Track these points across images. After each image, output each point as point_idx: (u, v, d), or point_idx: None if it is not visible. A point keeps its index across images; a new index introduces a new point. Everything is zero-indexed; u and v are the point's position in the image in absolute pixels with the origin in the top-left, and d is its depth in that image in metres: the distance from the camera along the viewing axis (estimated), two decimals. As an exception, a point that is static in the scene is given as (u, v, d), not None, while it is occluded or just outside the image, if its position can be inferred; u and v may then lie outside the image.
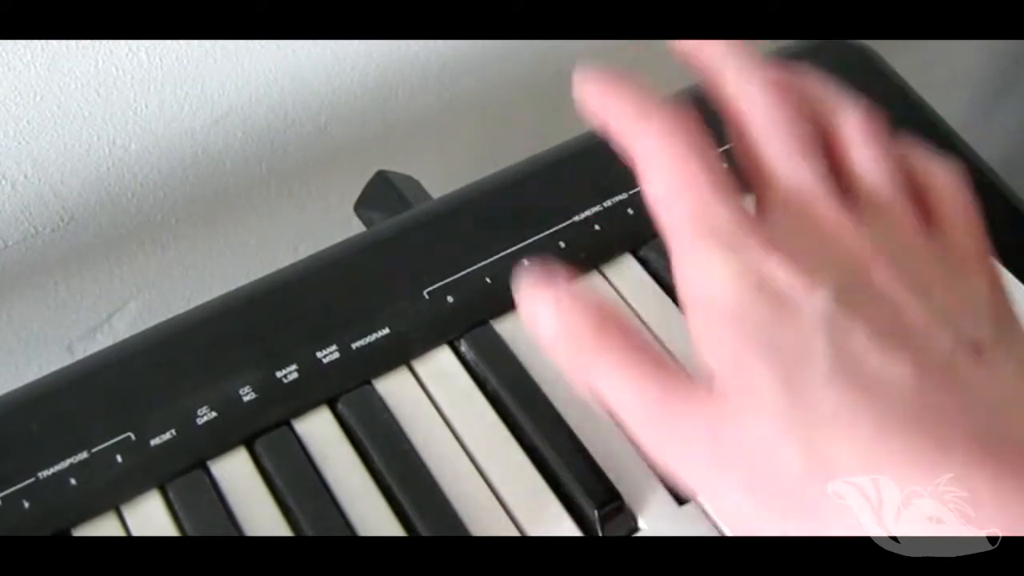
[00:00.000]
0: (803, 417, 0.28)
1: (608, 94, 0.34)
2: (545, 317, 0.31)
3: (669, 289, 0.42)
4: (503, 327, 0.41)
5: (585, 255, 0.43)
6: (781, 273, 0.29)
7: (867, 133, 0.32)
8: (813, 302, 0.29)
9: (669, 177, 0.31)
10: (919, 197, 0.32)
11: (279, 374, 0.39)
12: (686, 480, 0.30)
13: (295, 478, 0.38)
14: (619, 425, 0.30)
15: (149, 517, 0.37)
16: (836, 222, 0.30)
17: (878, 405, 0.28)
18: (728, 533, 0.37)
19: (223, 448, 0.38)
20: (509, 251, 0.43)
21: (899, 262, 0.30)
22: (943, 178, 0.33)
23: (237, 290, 0.42)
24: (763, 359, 0.28)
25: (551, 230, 0.43)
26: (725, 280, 0.29)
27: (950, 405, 0.28)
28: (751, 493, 0.29)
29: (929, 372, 0.28)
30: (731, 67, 0.33)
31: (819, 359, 0.28)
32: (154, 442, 0.38)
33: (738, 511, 0.29)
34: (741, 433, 0.28)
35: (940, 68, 0.82)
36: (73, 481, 0.37)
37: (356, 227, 0.48)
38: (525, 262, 0.42)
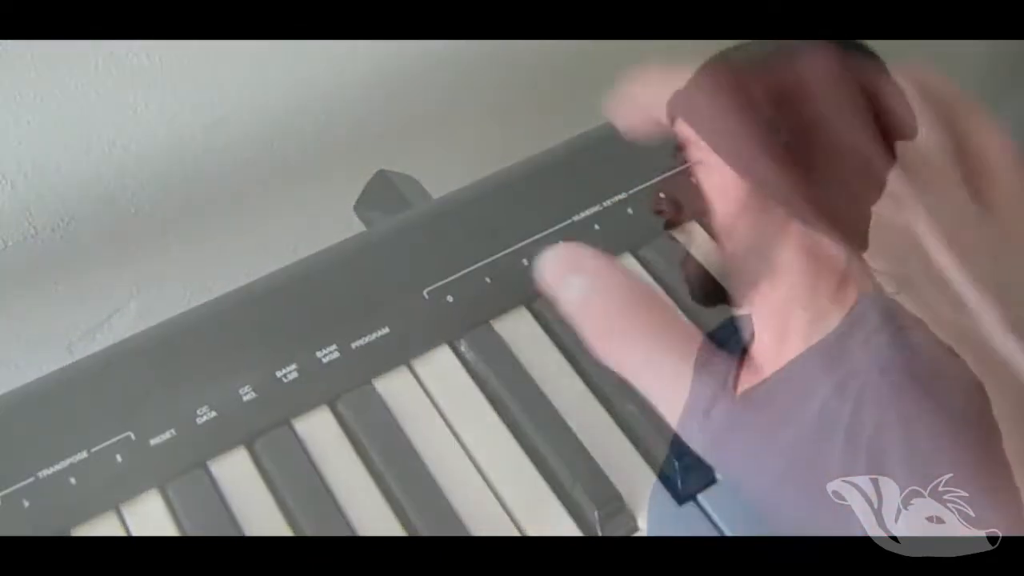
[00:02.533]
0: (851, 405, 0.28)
1: None
2: (574, 289, 0.31)
3: (669, 289, 0.42)
4: (503, 327, 0.41)
5: (585, 255, 0.43)
6: (850, 268, 0.29)
7: (920, 97, 0.32)
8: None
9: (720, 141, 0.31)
10: (972, 169, 0.31)
11: (279, 374, 0.39)
12: (717, 460, 0.30)
13: (295, 478, 0.38)
14: (642, 393, 0.31)
15: (149, 517, 0.37)
16: (895, 193, 0.30)
17: (936, 398, 0.27)
18: (728, 533, 0.37)
19: (223, 448, 0.38)
20: (509, 251, 0.43)
21: (954, 240, 0.29)
22: (997, 151, 0.32)
23: (237, 290, 0.42)
24: (806, 338, 0.28)
25: (551, 230, 0.43)
26: (801, 280, 0.29)
27: (1003, 398, 0.28)
28: (791, 480, 0.29)
29: (984, 366, 0.28)
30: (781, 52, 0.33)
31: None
32: (154, 442, 0.38)
33: (774, 498, 0.29)
34: (780, 418, 0.28)
35: (940, 68, 0.82)
36: (73, 481, 0.37)
37: (356, 227, 0.48)
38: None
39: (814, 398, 0.28)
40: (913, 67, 0.33)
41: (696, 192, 0.39)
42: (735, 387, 0.30)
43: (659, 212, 0.44)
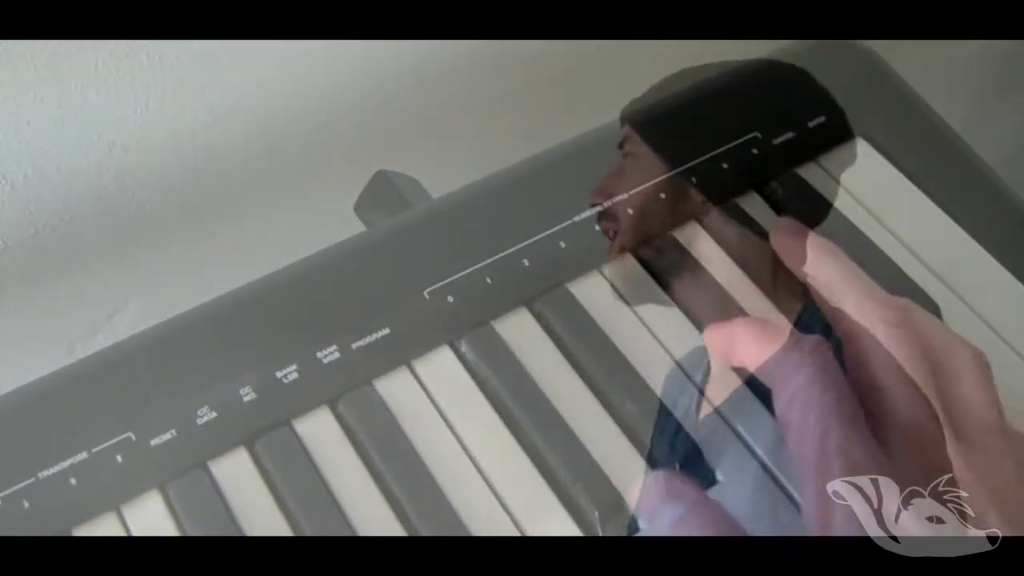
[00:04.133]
0: None
1: None
2: (666, 519, 0.32)
3: (667, 288, 0.42)
4: (503, 327, 0.41)
5: (585, 255, 0.43)
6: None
7: (979, 370, 0.34)
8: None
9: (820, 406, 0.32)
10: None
11: (279, 374, 0.39)
12: None
13: (295, 478, 0.38)
14: None
15: (149, 517, 0.37)
16: (951, 455, 0.31)
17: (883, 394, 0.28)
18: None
19: (223, 448, 0.38)
20: (509, 251, 0.43)
21: (1003, 499, 0.31)
22: None
23: (237, 290, 0.42)
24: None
25: (551, 230, 0.43)
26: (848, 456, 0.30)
27: None
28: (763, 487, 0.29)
29: None
30: (851, 299, 0.35)
31: None
32: (154, 442, 0.38)
33: (750, 502, 0.30)
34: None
35: (940, 68, 0.82)
36: (73, 481, 0.37)
37: (356, 227, 0.48)
38: (562, 244, 0.42)
39: (776, 405, 0.29)
40: (975, 349, 0.34)
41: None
42: (697, 412, 0.31)
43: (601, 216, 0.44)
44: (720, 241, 0.43)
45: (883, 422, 0.32)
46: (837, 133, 0.47)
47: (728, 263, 0.43)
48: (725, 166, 0.45)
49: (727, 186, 0.45)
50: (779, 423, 0.33)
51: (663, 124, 0.46)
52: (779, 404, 0.33)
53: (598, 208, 0.43)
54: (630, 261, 0.43)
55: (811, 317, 0.32)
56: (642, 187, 0.40)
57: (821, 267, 0.37)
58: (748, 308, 0.41)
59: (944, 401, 0.33)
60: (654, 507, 0.33)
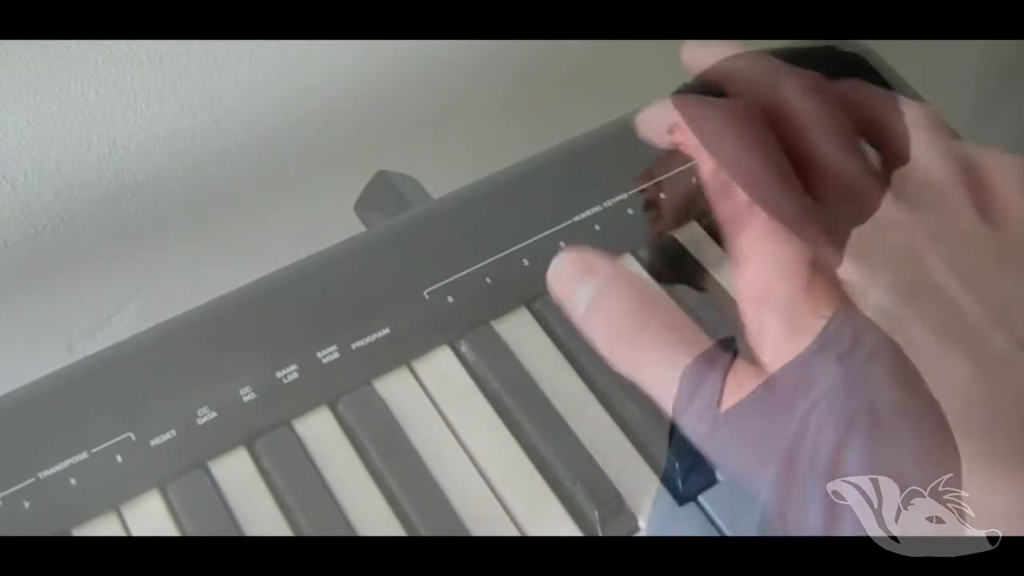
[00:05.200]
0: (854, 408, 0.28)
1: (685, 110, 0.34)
2: (584, 296, 0.31)
3: (670, 289, 0.42)
4: (503, 327, 0.41)
5: (585, 255, 0.43)
6: (816, 268, 0.29)
7: (923, 126, 0.33)
8: (868, 296, 0.29)
9: (733, 164, 0.31)
10: (978, 190, 0.32)
11: (279, 374, 0.39)
12: (721, 456, 0.30)
13: (295, 478, 0.38)
14: (655, 400, 0.31)
15: (149, 517, 0.37)
16: (892, 214, 0.30)
17: (904, 406, 0.28)
18: (728, 534, 0.37)
19: (223, 448, 0.38)
20: (509, 251, 0.43)
21: (955, 254, 0.30)
22: (1003, 171, 0.32)
23: (237, 290, 0.42)
24: (817, 350, 0.28)
25: (551, 230, 0.43)
26: (761, 269, 0.30)
27: (1003, 401, 0.28)
28: (788, 468, 0.29)
29: (982, 367, 0.28)
30: (773, 73, 0.34)
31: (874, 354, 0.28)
32: (154, 442, 0.38)
33: (773, 485, 0.29)
34: (788, 418, 0.29)
35: (940, 68, 0.82)
36: (73, 481, 0.37)
37: (356, 227, 0.48)
38: (562, 244, 0.42)
39: (793, 416, 0.29)
40: (925, 104, 0.33)
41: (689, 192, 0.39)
42: (719, 403, 0.30)
43: (643, 192, 0.44)
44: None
45: (817, 182, 0.31)
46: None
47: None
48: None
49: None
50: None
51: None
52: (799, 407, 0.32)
53: (642, 188, 0.43)
54: (630, 261, 0.43)
55: (841, 324, 0.31)
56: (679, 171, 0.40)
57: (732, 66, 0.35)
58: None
59: (890, 158, 0.32)
60: (569, 286, 0.32)
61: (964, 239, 0.30)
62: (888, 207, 0.30)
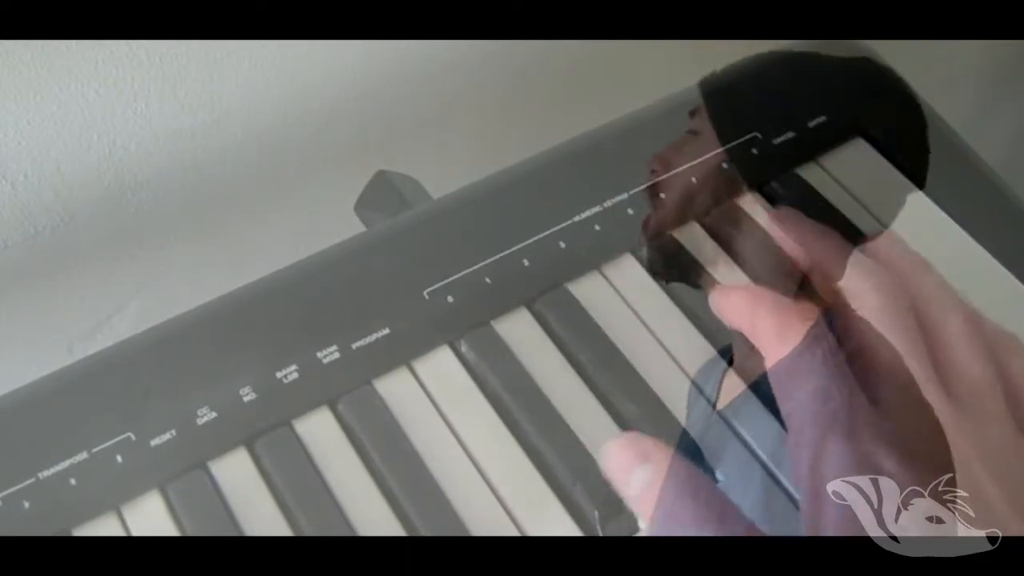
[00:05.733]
0: None
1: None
2: (637, 482, 0.33)
3: (669, 289, 0.42)
4: (503, 327, 0.41)
5: (585, 255, 0.43)
6: (888, 464, 0.30)
7: (970, 331, 0.34)
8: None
9: (796, 353, 0.33)
10: (1018, 394, 0.33)
11: (279, 374, 0.39)
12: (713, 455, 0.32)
13: (295, 478, 0.38)
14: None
15: (149, 517, 0.37)
16: (941, 418, 0.31)
17: (885, 405, 0.28)
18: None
19: (223, 448, 0.38)
20: (509, 251, 0.43)
21: (995, 459, 0.31)
22: None
23: (237, 290, 0.42)
24: (803, 351, 0.30)
25: (551, 230, 0.43)
26: (839, 467, 0.30)
27: None
28: (766, 486, 0.29)
29: None
30: (843, 262, 0.35)
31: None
32: (154, 442, 0.38)
33: (760, 482, 0.30)
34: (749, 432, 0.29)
35: (940, 68, 0.82)
36: (73, 481, 0.37)
37: (356, 227, 0.48)
38: (562, 244, 0.43)
39: (775, 415, 0.29)
40: (967, 306, 0.35)
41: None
42: (716, 402, 0.31)
43: (653, 172, 0.44)
44: (726, 242, 0.43)
45: (875, 386, 0.32)
46: (837, 133, 0.47)
47: (731, 265, 0.43)
48: (725, 166, 0.45)
49: (726, 185, 0.45)
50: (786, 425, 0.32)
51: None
52: (784, 406, 0.32)
53: (654, 180, 0.43)
54: (630, 261, 0.43)
55: (826, 325, 0.31)
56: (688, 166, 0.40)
57: (818, 247, 0.37)
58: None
59: (935, 364, 0.33)
60: (623, 472, 0.33)
61: (1003, 445, 0.32)
62: (940, 413, 0.31)
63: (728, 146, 0.44)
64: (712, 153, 0.43)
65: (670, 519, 0.32)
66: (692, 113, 0.34)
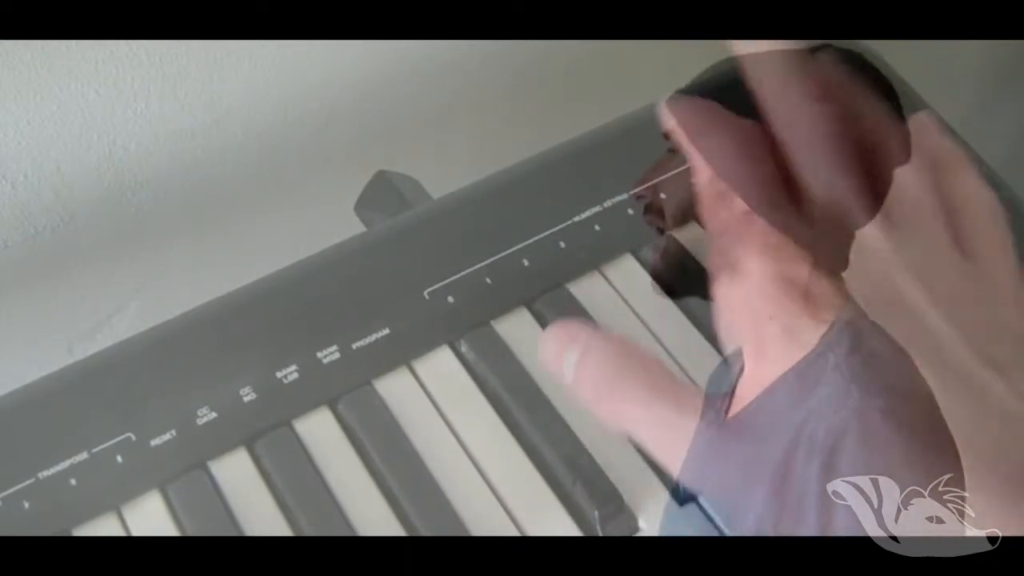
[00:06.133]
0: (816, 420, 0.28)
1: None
2: (569, 365, 0.33)
3: (672, 289, 0.42)
4: (503, 327, 0.41)
5: (585, 255, 0.43)
6: (814, 279, 0.30)
7: (909, 149, 0.33)
8: (840, 310, 0.29)
9: (727, 176, 0.33)
10: (957, 216, 0.33)
11: (279, 374, 0.39)
12: (708, 490, 0.31)
13: (295, 478, 0.38)
14: (646, 448, 0.33)
15: (149, 517, 0.37)
16: (870, 234, 0.31)
17: (895, 412, 0.28)
18: (728, 534, 0.37)
19: (223, 448, 0.38)
20: (509, 251, 0.43)
21: (928, 277, 0.31)
22: (982, 203, 0.33)
23: (237, 290, 0.42)
24: (816, 357, 0.29)
25: (551, 230, 0.43)
26: (763, 282, 0.30)
27: (963, 416, 0.28)
28: (774, 495, 0.29)
29: (945, 384, 0.28)
30: (773, 73, 0.34)
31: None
32: (154, 442, 0.38)
33: (759, 512, 0.30)
34: (785, 426, 0.29)
35: (940, 68, 0.82)
36: (73, 481, 0.37)
37: (356, 227, 0.48)
38: (562, 244, 0.43)
39: (791, 423, 0.29)
40: (918, 116, 0.34)
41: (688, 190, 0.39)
42: (726, 413, 0.31)
43: (639, 197, 0.44)
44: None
45: (804, 197, 0.32)
46: (837, 133, 0.47)
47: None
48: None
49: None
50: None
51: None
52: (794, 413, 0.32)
53: (639, 193, 0.43)
54: (630, 261, 0.43)
55: (841, 330, 0.31)
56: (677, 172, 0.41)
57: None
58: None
59: (874, 180, 0.32)
60: (556, 360, 0.34)
61: (937, 262, 0.31)
62: (871, 231, 0.31)
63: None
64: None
65: (605, 403, 0.32)
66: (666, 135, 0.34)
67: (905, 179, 0.33)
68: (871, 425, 0.28)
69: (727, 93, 0.40)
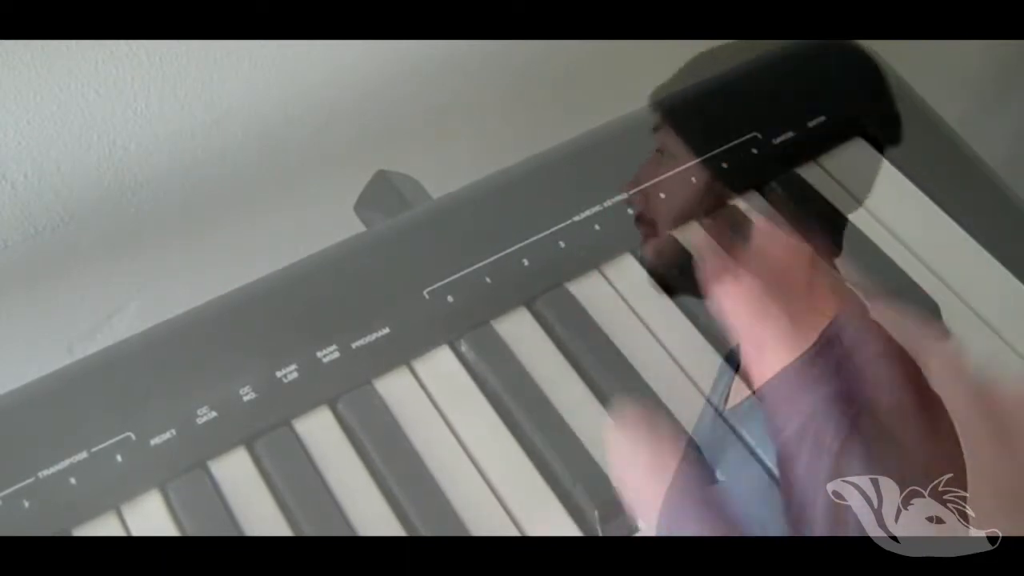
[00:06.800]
0: None
1: None
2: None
3: (671, 289, 0.42)
4: (503, 327, 0.41)
5: (585, 255, 0.43)
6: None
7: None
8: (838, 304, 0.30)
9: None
10: None
11: (279, 374, 0.39)
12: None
13: (295, 478, 0.38)
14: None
15: (149, 517, 0.37)
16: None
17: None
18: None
19: (223, 448, 0.38)
20: (509, 251, 0.43)
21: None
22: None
23: (237, 290, 0.42)
24: (816, 354, 0.30)
25: (551, 230, 0.43)
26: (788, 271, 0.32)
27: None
28: (789, 471, 0.29)
29: None
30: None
31: None
32: (154, 442, 0.38)
33: (756, 510, 0.30)
34: (787, 422, 0.30)
35: (940, 68, 0.82)
36: (73, 481, 0.37)
37: (356, 227, 0.48)
38: (562, 244, 0.43)
39: (791, 417, 0.29)
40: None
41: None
42: (725, 403, 0.31)
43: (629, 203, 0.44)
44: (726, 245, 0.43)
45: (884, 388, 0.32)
46: (837, 133, 0.47)
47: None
48: (725, 166, 0.45)
49: (727, 186, 0.45)
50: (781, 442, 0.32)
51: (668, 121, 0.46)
52: (795, 411, 0.32)
53: (629, 196, 0.44)
54: (630, 261, 0.43)
55: (839, 328, 0.31)
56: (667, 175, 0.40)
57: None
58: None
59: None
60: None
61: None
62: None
63: (727, 147, 0.44)
64: (685, 166, 0.44)
65: (673, 519, 0.32)
66: (655, 129, 0.34)
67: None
68: (880, 423, 0.28)
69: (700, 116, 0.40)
